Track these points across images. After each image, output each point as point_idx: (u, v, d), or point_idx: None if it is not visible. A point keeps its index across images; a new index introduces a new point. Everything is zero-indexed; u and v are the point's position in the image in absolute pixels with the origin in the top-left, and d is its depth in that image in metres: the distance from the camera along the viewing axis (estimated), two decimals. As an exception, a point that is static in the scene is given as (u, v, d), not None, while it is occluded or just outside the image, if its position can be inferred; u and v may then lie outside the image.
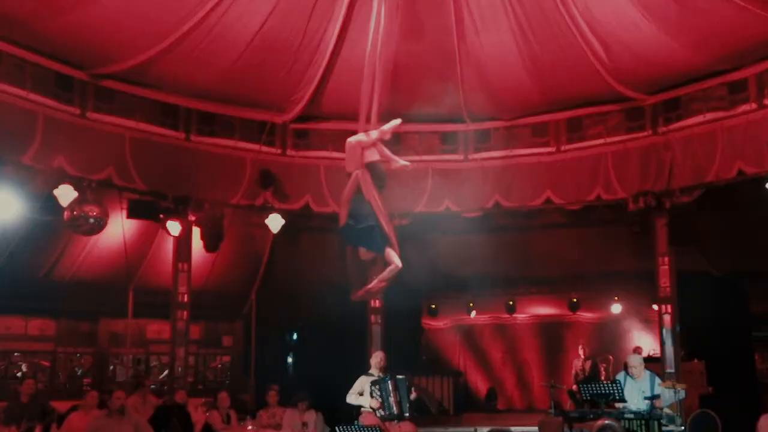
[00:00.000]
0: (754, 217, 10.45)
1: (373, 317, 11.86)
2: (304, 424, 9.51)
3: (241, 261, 13.21)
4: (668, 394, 8.50)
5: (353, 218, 4.99)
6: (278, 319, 14.10)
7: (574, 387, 12.71)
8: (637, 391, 8.33)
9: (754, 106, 9.19)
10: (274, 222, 10.97)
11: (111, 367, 13.27)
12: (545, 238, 12.94)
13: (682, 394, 8.65)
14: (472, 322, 18.04)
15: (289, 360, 15.49)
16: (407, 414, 8.92)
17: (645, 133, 10.25)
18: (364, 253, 5.02)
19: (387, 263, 5.14)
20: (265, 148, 10.90)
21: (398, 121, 5.82)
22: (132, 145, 9.74)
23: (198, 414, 9.90)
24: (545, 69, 9.72)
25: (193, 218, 10.59)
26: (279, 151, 11.05)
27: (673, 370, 10.14)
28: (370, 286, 5.14)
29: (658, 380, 8.56)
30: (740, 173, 9.29)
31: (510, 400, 17.53)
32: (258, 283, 13.50)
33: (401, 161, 5.92)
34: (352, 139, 5.28)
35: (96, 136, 9.43)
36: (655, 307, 11.48)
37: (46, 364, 12.59)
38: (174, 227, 10.36)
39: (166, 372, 12.55)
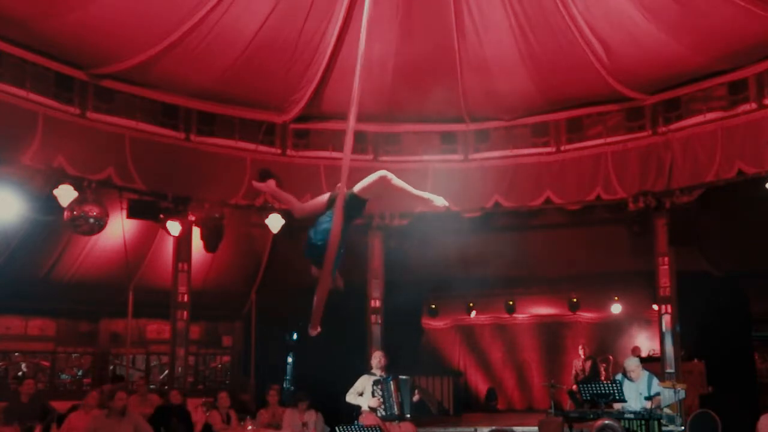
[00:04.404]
0: (754, 217, 10.44)
1: (373, 317, 11.86)
2: (304, 424, 9.51)
3: (241, 261, 13.21)
4: (668, 394, 8.52)
5: (313, 229, 4.78)
6: (278, 319, 14.10)
7: (574, 387, 12.72)
8: (635, 393, 8.35)
9: (754, 106, 9.19)
10: (274, 222, 10.98)
11: (111, 367, 13.29)
12: (545, 238, 12.94)
13: (682, 394, 8.68)
14: (472, 322, 18.04)
15: (289, 360, 15.50)
16: (408, 414, 8.94)
17: (645, 133, 10.24)
18: (315, 272, 4.80)
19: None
20: (265, 148, 10.90)
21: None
22: (132, 145, 9.74)
23: (198, 414, 9.90)
24: (545, 69, 9.72)
25: (193, 218, 10.59)
26: (279, 151, 11.05)
27: (673, 370, 10.14)
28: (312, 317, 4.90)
29: (656, 380, 8.59)
30: (740, 173, 9.29)
31: (510, 400, 17.53)
32: (258, 283, 13.50)
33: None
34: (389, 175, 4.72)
35: (96, 136, 9.44)
36: (655, 307, 11.48)
37: (46, 364, 12.60)
38: (174, 227, 10.36)
39: (166, 372, 12.56)
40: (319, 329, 4.93)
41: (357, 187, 4.75)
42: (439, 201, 4.84)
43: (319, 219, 4.74)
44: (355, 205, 4.73)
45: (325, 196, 4.82)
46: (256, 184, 4.95)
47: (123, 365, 13.40)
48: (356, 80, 4.76)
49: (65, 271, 11.81)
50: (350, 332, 12.08)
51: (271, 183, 4.70)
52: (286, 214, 11.01)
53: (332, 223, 4.58)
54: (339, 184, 4.80)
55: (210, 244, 10.73)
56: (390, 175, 4.68)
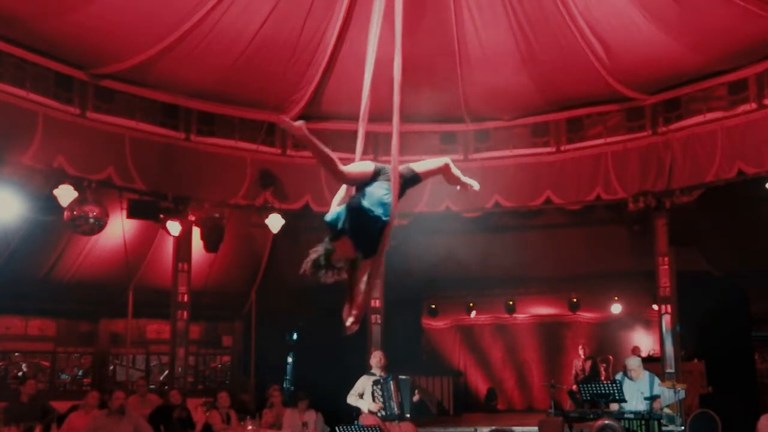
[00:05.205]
0: (754, 217, 10.45)
1: (373, 317, 11.85)
2: (304, 424, 9.51)
3: (241, 261, 13.21)
4: (668, 394, 8.53)
5: (365, 195, 4.09)
6: (278, 319, 14.09)
7: (574, 387, 12.73)
8: (636, 392, 8.36)
9: (754, 106, 9.20)
10: (274, 222, 10.97)
11: (111, 367, 13.29)
12: (545, 238, 12.94)
13: (682, 394, 8.68)
14: (472, 322, 18.05)
15: (289, 360, 15.50)
16: (408, 415, 8.94)
17: (645, 133, 10.24)
18: (344, 250, 4.07)
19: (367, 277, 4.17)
20: (265, 148, 10.90)
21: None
22: (132, 145, 9.74)
23: (198, 414, 9.89)
24: (545, 69, 9.72)
25: (193, 218, 10.59)
26: (279, 151, 11.05)
27: (673, 370, 10.14)
28: (355, 311, 4.14)
29: (657, 380, 8.59)
30: (740, 173, 9.29)
31: (510, 400, 17.54)
32: (258, 283, 13.50)
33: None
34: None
35: (96, 136, 9.43)
36: (655, 307, 11.49)
37: (46, 364, 12.60)
38: (174, 227, 10.36)
39: (166, 372, 12.56)
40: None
41: (419, 168, 4.46)
42: (476, 185, 4.86)
43: (367, 189, 4.15)
44: (410, 184, 4.38)
45: (369, 165, 4.29)
46: (284, 119, 4.04)
47: (123, 365, 13.40)
48: (397, 68, 4.76)
49: (65, 271, 11.81)
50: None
51: (303, 125, 3.88)
52: (286, 214, 11.01)
53: (392, 198, 4.10)
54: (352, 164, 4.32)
55: (210, 244, 10.73)
56: (452, 163, 4.67)
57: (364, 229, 4.07)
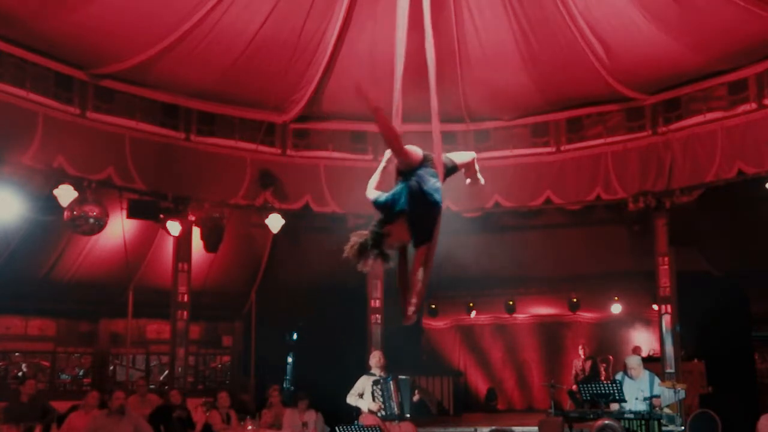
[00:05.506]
0: (754, 217, 10.45)
1: (373, 317, 11.85)
2: (304, 424, 9.51)
3: (241, 261, 13.21)
4: (668, 394, 8.53)
5: (421, 180, 4.08)
6: (278, 319, 14.09)
7: (574, 387, 12.72)
8: (635, 391, 8.36)
9: (754, 106, 9.20)
10: (274, 222, 10.97)
11: (111, 367, 13.29)
12: (545, 238, 12.94)
13: (682, 394, 8.68)
14: (472, 322, 18.04)
15: (289, 360, 15.49)
16: (408, 414, 8.94)
17: (645, 133, 10.25)
18: (399, 234, 3.98)
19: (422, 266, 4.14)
20: (265, 148, 10.91)
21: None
22: (132, 145, 9.74)
23: (198, 414, 9.89)
24: (545, 69, 9.72)
25: (193, 218, 10.59)
26: (279, 151, 11.05)
27: (673, 370, 10.15)
28: (415, 300, 4.06)
29: (657, 380, 8.60)
30: (740, 173, 9.29)
31: (510, 400, 17.54)
32: (258, 283, 13.51)
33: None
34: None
35: (96, 136, 9.44)
36: (655, 307, 11.48)
37: (46, 364, 12.61)
38: (174, 227, 10.36)
39: (166, 372, 12.56)
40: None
41: (457, 159, 4.59)
42: (482, 180, 4.97)
43: (423, 175, 4.14)
44: (450, 173, 4.46)
45: (419, 151, 4.29)
46: (361, 89, 4.02)
47: (123, 365, 13.40)
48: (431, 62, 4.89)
49: (65, 271, 11.81)
50: (350, 332, 12.08)
51: (371, 97, 3.81)
52: (286, 214, 11.01)
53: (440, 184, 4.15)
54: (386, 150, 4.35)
55: (210, 244, 10.73)
56: (475, 158, 4.85)
57: (424, 214, 4.06)
